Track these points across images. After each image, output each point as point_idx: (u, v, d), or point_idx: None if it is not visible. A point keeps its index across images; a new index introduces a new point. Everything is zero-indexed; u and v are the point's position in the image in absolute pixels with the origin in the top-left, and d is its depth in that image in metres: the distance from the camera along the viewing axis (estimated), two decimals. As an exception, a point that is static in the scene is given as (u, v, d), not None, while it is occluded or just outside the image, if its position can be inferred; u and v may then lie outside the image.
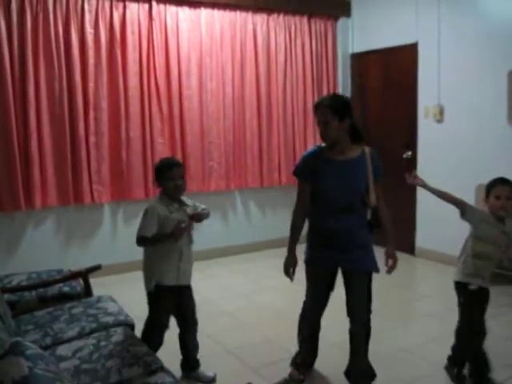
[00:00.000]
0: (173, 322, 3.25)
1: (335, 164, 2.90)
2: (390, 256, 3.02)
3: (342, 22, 6.64)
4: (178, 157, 5.48)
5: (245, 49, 5.99)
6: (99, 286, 4.16)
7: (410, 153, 5.99)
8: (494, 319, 3.53)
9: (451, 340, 3.32)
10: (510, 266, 3.23)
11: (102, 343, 2.66)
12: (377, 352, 3.28)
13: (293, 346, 3.50)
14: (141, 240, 3.03)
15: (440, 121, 5.64)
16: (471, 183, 4.91)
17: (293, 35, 6.30)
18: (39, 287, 3.47)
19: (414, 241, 6.04)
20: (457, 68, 5.41)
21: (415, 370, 3.41)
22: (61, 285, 3.54)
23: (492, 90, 5.07)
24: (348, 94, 6.63)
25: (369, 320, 3.06)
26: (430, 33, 5.62)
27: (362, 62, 6.64)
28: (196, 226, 3.18)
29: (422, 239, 6.00)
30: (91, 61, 5.10)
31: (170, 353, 3.19)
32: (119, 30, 5.23)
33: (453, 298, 4.23)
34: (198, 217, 3.13)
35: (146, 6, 5.36)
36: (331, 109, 2.82)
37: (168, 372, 2.45)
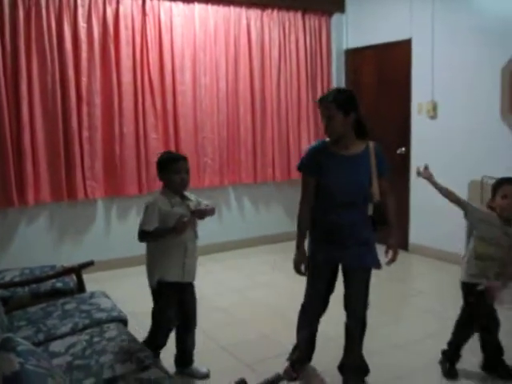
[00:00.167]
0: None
1: (339, 159, 2.89)
2: (391, 247, 3.02)
3: (336, 17, 6.62)
4: (172, 152, 5.47)
5: (239, 44, 5.97)
6: (92, 281, 4.15)
7: (403, 149, 6.00)
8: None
9: (446, 336, 3.34)
10: None
11: (95, 339, 2.65)
12: (371, 347, 3.29)
13: (287, 342, 3.50)
14: (142, 235, 2.98)
15: (433, 117, 5.64)
16: (464, 179, 4.93)
17: (287, 31, 6.28)
18: (32, 283, 3.46)
19: (407, 237, 6.05)
20: (450, 64, 5.41)
21: (409, 366, 3.41)
22: (54, 281, 3.54)
23: (485, 86, 5.08)
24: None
25: (365, 315, 3.07)
26: (423, 29, 5.62)
27: (356, 57, 6.64)
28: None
29: (415, 235, 6.00)
30: (84, 55, 5.07)
31: (163, 348, 3.18)
32: (112, 24, 5.19)
33: (447, 294, 4.25)
34: (200, 213, 3.07)
35: (140, 0, 5.33)
36: (335, 103, 2.80)
37: (161, 368, 2.44)
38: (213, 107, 5.86)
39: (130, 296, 4.57)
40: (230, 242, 6.16)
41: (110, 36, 5.18)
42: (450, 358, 3.27)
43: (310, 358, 3.33)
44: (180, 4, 5.57)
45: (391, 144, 6.02)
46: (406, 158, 5.96)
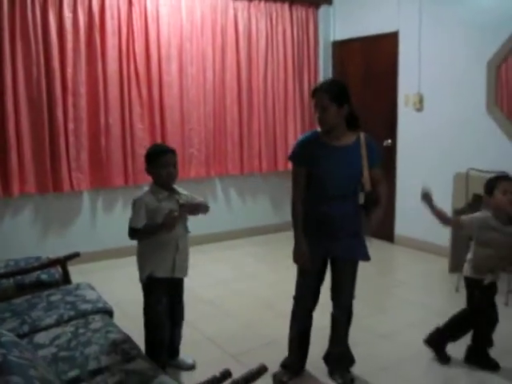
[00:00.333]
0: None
1: (331, 150, 2.87)
2: (371, 218, 2.94)
3: (323, 9, 6.61)
4: (158, 144, 5.45)
5: (226, 35, 5.94)
6: (78, 273, 4.14)
7: (389, 141, 6.03)
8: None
9: (429, 325, 3.38)
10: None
11: (81, 331, 2.65)
12: (355, 338, 3.31)
13: (272, 333, 3.52)
14: (132, 232, 2.91)
15: (420, 109, 5.67)
16: (450, 171, 4.96)
17: (274, 22, 6.26)
18: (17, 275, 3.43)
19: (393, 228, 6.09)
20: (437, 57, 5.43)
21: (395, 356, 3.45)
22: (39, 272, 3.51)
23: (471, 79, 5.10)
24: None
25: (351, 305, 3.09)
26: (411, 22, 5.63)
27: (343, 49, 6.64)
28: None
29: (400, 227, 6.05)
30: (69, 45, 5.01)
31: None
32: (98, 14, 5.14)
33: (430, 285, 4.30)
34: (191, 207, 3.01)
35: (126, -10, 5.30)
36: (329, 94, 2.79)
37: (146, 359, 2.44)
38: (199, 98, 5.84)
39: (116, 287, 4.56)
40: (217, 234, 6.15)
41: (95, 26, 5.13)
42: (483, 349, 3.29)
43: (299, 370, 3.22)
44: (166, -7, 5.53)
45: (378, 136, 5.99)
46: (392, 150, 5.99)
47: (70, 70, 5.05)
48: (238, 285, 4.84)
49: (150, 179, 3.05)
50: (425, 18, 5.51)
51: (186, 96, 5.74)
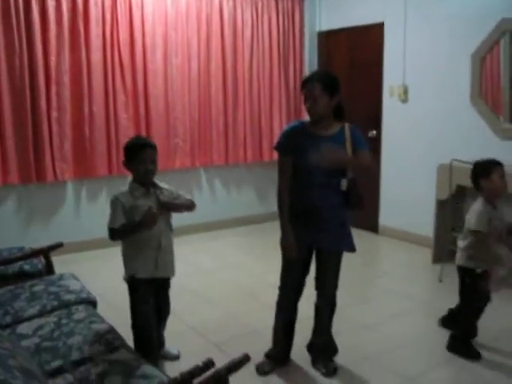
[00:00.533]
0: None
1: (317, 139, 2.86)
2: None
3: (309, -1, 6.61)
4: (143, 134, 5.41)
5: (211, 23, 5.90)
6: (61, 263, 4.11)
7: (374, 132, 6.05)
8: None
9: (413, 315, 3.42)
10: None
11: (64, 321, 2.64)
12: (339, 328, 3.33)
13: (255, 322, 3.53)
14: (111, 233, 2.83)
15: (404, 100, 5.69)
16: (433, 162, 4.99)
17: (259, 11, 6.23)
18: (-1, 265, 3.41)
19: (377, 219, 6.13)
20: (421, 49, 5.45)
21: (377, 346, 3.48)
22: (22, 262, 3.48)
23: (455, 71, 5.13)
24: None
25: (335, 295, 3.11)
26: (396, 13, 5.64)
27: (328, 40, 6.63)
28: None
29: (385, 218, 6.08)
30: (53, 33, 4.95)
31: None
32: (82, 1, 5.07)
33: (413, 275, 4.33)
34: (174, 206, 2.95)
35: (110, -23, 5.23)
36: (322, 84, 2.80)
37: (129, 349, 2.44)
38: (184, 87, 5.80)
39: (100, 278, 4.55)
40: (202, 224, 6.14)
41: (79, 13, 5.06)
42: (466, 338, 3.33)
43: (283, 360, 3.23)
44: (151, -19, 5.48)
45: (363, 127, 5.99)
46: (377, 141, 6.01)
47: (53, 59, 4.98)
48: (222, 275, 4.85)
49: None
50: (410, 9, 5.52)
51: (170, 85, 5.69)
